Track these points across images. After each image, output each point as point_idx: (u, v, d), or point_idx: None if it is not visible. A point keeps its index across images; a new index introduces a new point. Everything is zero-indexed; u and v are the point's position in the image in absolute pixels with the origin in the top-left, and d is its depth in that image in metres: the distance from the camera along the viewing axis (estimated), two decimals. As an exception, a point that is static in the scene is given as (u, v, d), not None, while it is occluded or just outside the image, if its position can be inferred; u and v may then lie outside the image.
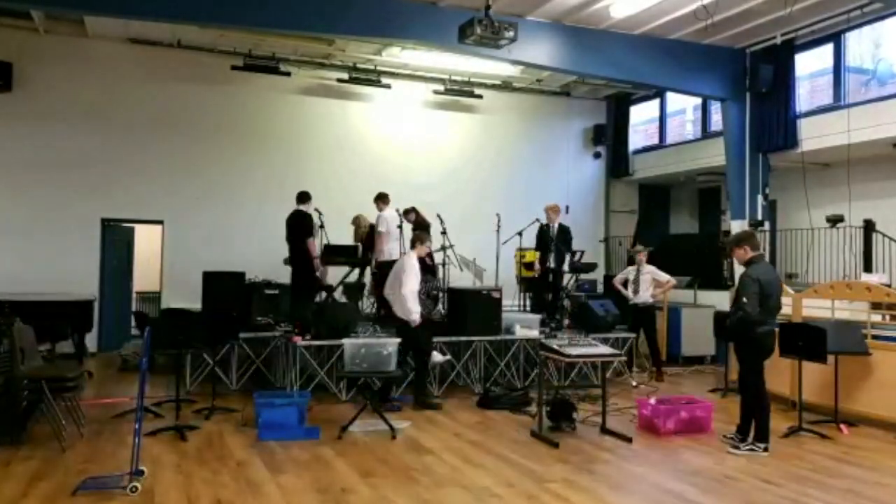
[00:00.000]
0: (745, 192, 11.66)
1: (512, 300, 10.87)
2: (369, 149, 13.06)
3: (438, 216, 10.06)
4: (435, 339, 8.23)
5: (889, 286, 8.11)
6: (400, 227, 9.63)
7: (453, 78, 13.29)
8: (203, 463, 5.50)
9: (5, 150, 10.93)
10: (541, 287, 10.56)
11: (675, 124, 14.58)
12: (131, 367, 9.92)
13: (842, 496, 4.95)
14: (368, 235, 10.25)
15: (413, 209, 10.19)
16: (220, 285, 9.27)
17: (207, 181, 12.00)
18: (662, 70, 11.16)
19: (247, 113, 12.31)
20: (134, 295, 12.86)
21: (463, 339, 8.53)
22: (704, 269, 12.41)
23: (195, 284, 9.37)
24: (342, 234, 10.50)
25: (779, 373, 7.76)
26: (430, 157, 13.48)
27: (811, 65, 11.45)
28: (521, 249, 11.30)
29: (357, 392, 7.83)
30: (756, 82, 11.30)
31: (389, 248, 9.58)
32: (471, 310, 8.59)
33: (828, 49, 11.09)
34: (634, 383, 9.22)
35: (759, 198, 11.68)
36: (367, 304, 10.44)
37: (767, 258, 11.66)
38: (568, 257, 10.19)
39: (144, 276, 12.69)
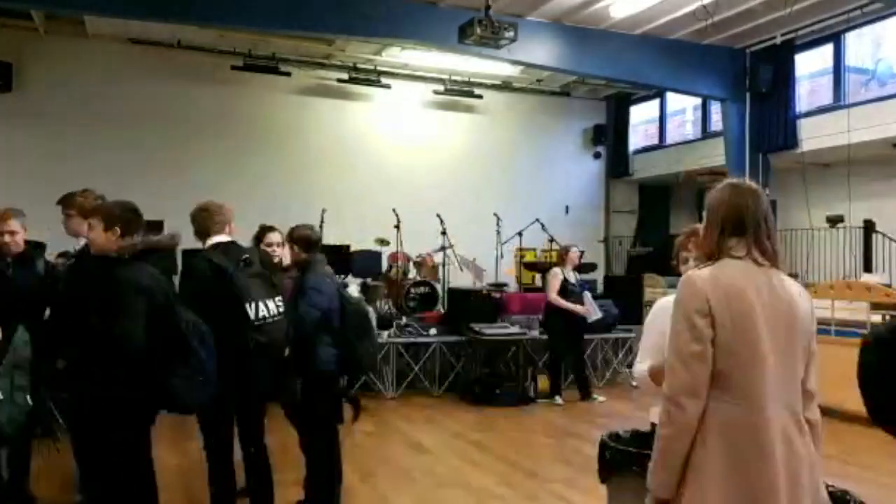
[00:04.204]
0: (745, 192, 11.63)
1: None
2: (369, 149, 13.05)
3: (438, 216, 10.07)
4: (436, 337, 8.26)
5: (889, 286, 8.11)
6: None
7: (453, 78, 13.29)
8: (203, 463, 5.49)
9: (5, 151, 10.92)
10: None
11: (675, 124, 14.57)
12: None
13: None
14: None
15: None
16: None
17: (207, 181, 11.94)
18: (662, 70, 11.15)
19: (247, 113, 12.30)
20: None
21: (464, 338, 8.52)
22: (704, 269, 12.38)
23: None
24: (341, 235, 10.49)
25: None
26: (429, 158, 13.48)
27: (811, 65, 11.45)
28: (521, 249, 11.30)
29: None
30: (756, 82, 11.29)
31: None
32: (471, 309, 8.61)
33: (828, 49, 11.09)
34: (634, 383, 9.22)
35: (760, 198, 11.66)
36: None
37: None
38: None
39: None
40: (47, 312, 4.02)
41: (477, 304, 8.74)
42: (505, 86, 14.01)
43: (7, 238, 4.36)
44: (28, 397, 3.71)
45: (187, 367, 3.31)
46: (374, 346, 4.84)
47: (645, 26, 10.58)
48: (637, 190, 15.42)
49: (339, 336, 4.32)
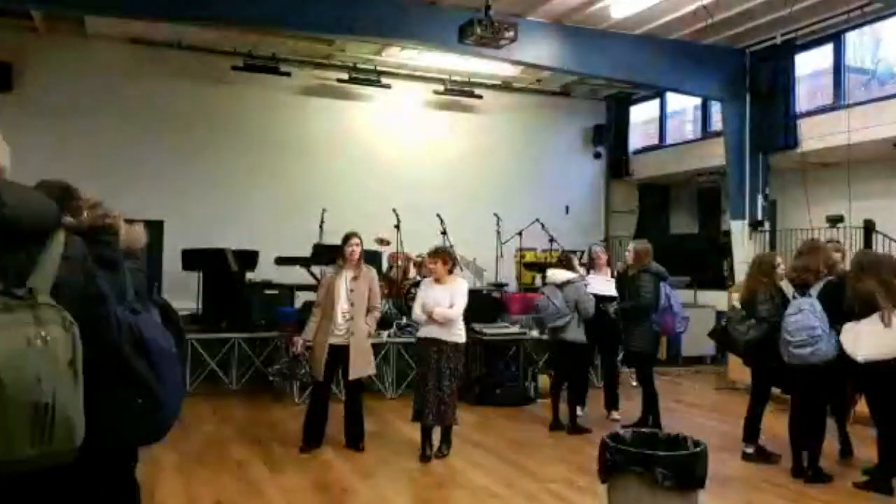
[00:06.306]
0: (745, 192, 11.66)
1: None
2: (369, 149, 13.05)
3: (438, 216, 10.07)
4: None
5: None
6: None
7: (453, 78, 13.28)
8: (203, 463, 5.50)
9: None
10: None
11: (675, 124, 14.57)
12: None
13: (842, 496, 4.95)
14: None
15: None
16: (220, 285, 9.28)
17: (208, 181, 11.99)
18: (662, 70, 11.16)
19: (247, 113, 12.30)
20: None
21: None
22: (704, 269, 12.41)
23: (196, 284, 9.39)
24: (341, 234, 10.48)
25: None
26: (429, 158, 13.47)
27: (811, 65, 11.45)
28: (521, 250, 11.29)
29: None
30: (756, 82, 11.31)
31: None
32: (471, 309, 8.58)
33: (828, 49, 11.08)
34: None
35: (759, 198, 11.68)
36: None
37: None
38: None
39: (144, 276, 12.66)
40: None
41: (477, 304, 8.73)
42: (505, 86, 14.01)
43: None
44: None
45: None
46: None
47: (645, 26, 10.58)
48: (637, 190, 15.42)
49: None
